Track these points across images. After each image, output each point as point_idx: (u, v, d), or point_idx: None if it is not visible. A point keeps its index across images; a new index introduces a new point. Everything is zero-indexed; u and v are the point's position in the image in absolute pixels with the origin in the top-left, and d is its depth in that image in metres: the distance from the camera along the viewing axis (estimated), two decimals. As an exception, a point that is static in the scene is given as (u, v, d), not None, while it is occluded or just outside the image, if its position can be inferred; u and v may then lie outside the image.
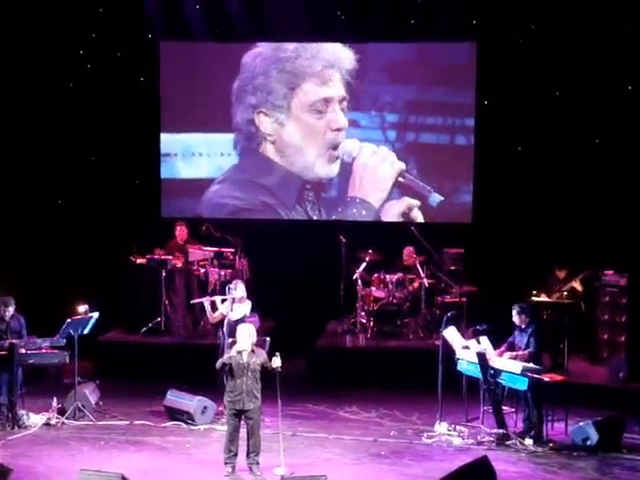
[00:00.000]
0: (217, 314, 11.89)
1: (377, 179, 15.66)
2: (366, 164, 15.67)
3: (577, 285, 13.58)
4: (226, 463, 9.92)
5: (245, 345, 9.89)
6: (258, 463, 9.93)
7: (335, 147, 15.67)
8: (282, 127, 15.73)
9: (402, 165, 15.62)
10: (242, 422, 9.94)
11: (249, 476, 9.86)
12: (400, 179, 15.60)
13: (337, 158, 15.68)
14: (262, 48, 15.71)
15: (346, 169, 15.73)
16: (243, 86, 15.73)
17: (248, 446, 9.94)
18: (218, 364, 10.03)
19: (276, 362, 9.83)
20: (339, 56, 15.57)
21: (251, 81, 15.72)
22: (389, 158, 15.63)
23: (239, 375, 9.83)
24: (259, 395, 9.91)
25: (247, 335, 9.94)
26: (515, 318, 11.37)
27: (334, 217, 15.81)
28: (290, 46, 15.61)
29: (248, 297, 11.82)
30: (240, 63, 15.69)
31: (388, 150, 15.66)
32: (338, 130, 15.65)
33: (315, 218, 15.81)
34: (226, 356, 10.00)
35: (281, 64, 15.64)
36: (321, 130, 15.66)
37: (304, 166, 15.77)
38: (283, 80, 15.63)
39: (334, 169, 15.74)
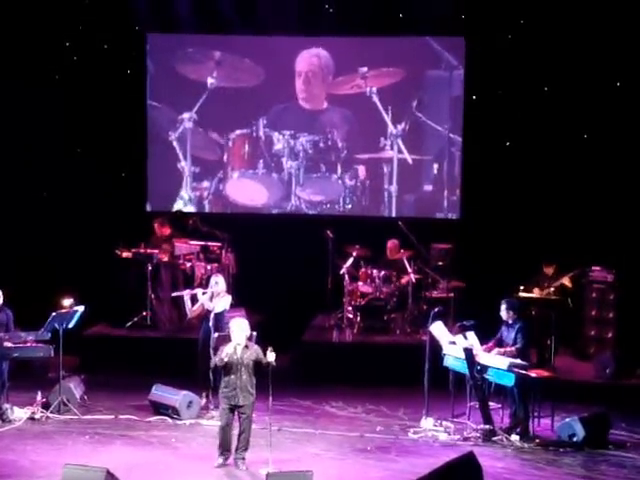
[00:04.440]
0: (196, 307, 11.87)
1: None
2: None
3: (567, 282, 13.57)
4: (220, 454, 9.91)
5: (240, 339, 9.84)
6: (244, 459, 9.87)
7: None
8: None
9: None
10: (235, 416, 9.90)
11: (236, 470, 9.81)
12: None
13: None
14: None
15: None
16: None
17: (238, 441, 9.89)
18: (213, 363, 9.99)
19: (270, 357, 9.74)
20: None
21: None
22: None
23: (234, 371, 9.76)
24: (253, 391, 9.85)
25: (241, 329, 9.89)
26: (503, 313, 11.34)
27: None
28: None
29: (235, 291, 11.77)
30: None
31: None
32: None
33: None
34: (223, 354, 9.86)
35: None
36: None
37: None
38: None
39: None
